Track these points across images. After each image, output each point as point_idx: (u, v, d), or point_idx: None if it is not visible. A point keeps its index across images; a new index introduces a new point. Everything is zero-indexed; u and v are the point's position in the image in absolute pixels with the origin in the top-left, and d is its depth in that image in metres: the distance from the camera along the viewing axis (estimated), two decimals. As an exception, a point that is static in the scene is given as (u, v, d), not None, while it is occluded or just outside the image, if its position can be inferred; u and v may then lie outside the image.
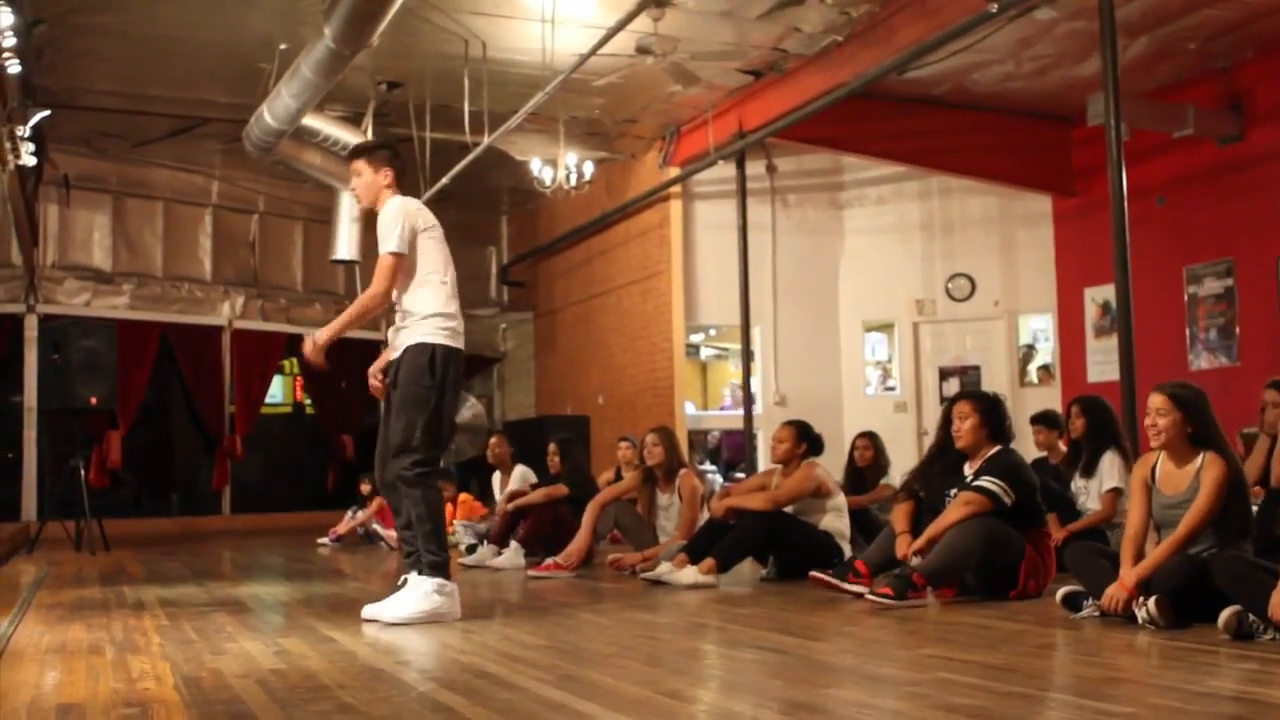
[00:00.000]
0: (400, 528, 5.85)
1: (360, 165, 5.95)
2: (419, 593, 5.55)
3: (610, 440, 12.47)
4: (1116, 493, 7.18)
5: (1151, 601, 4.81)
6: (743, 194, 13.43)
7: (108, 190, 15.66)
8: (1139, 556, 5.08)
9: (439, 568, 5.61)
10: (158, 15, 10.92)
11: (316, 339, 5.75)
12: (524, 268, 18.48)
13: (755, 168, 14.11)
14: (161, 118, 14.17)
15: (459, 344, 5.83)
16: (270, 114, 11.40)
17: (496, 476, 11.08)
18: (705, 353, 16.95)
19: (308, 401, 18.15)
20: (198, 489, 16.70)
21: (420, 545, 5.62)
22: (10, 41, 8.44)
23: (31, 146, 11.41)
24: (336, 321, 5.79)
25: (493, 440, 11.14)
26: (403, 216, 5.76)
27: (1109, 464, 7.31)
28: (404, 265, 5.77)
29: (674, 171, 14.41)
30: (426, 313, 5.74)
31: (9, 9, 8.19)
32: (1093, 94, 10.35)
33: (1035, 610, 5.59)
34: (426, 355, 5.69)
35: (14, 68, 9.05)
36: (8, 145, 10.67)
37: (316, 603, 6.76)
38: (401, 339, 5.77)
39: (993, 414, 6.24)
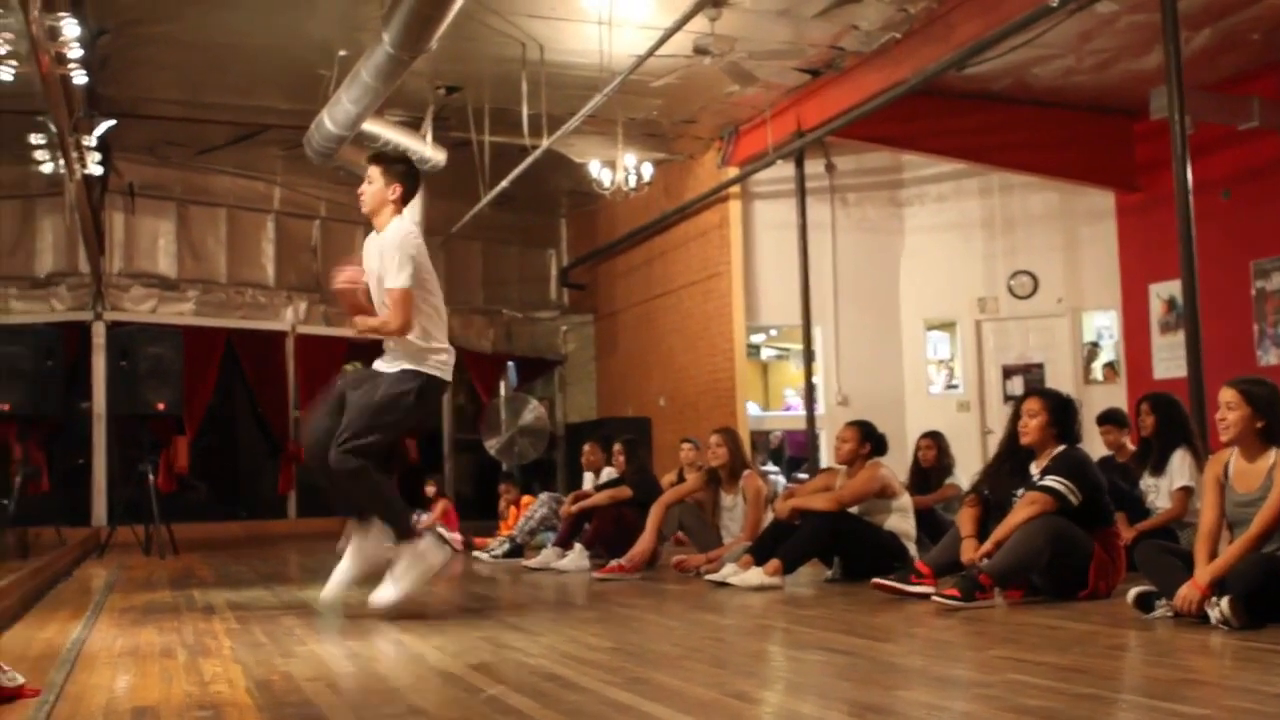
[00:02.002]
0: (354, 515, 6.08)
1: (375, 172, 6.03)
2: (407, 561, 5.90)
3: (672, 442, 12.47)
4: (1187, 491, 7.10)
5: (1225, 601, 4.75)
6: (802, 193, 13.40)
7: (172, 198, 15.84)
8: (1212, 555, 5.02)
9: (408, 532, 5.96)
10: (219, 24, 11.03)
11: (354, 291, 5.95)
12: (584, 270, 18.51)
13: (814, 166, 14.07)
14: (223, 125, 14.34)
15: (448, 377, 6.05)
16: (331, 120, 11.48)
17: (588, 478, 11.10)
18: (766, 353, 16.91)
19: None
20: (263, 493, 16.83)
21: (381, 515, 5.95)
22: (76, 53, 8.52)
23: (97, 156, 11.55)
24: (366, 322, 5.96)
25: (586, 448, 11.15)
26: (415, 250, 5.86)
27: (1180, 462, 7.22)
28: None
29: (733, 172, 14.39)
30: (425, 345, 5.92)
31: (75, 20, 8.28)
32: (1155, 87, 10.23)
33: (1105, 611, 5.53)
34: (417, 385, 5.88)
35: (80, 78, 9.15)
36: (74, 155, 10.81)
37: (383, 606, 6.79)
38: (397, 357, 5.93)
39: (1062, 414, 6.18)
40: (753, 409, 14.96)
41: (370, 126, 12.10)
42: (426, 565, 5.92)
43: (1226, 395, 5.18)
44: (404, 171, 6.09)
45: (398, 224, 5.96)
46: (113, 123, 12.44)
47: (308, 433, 6.05)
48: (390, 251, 5.80)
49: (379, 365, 6.01)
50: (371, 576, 6.03)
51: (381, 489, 5.91)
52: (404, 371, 5.87)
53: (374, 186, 6.00)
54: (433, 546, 5.98)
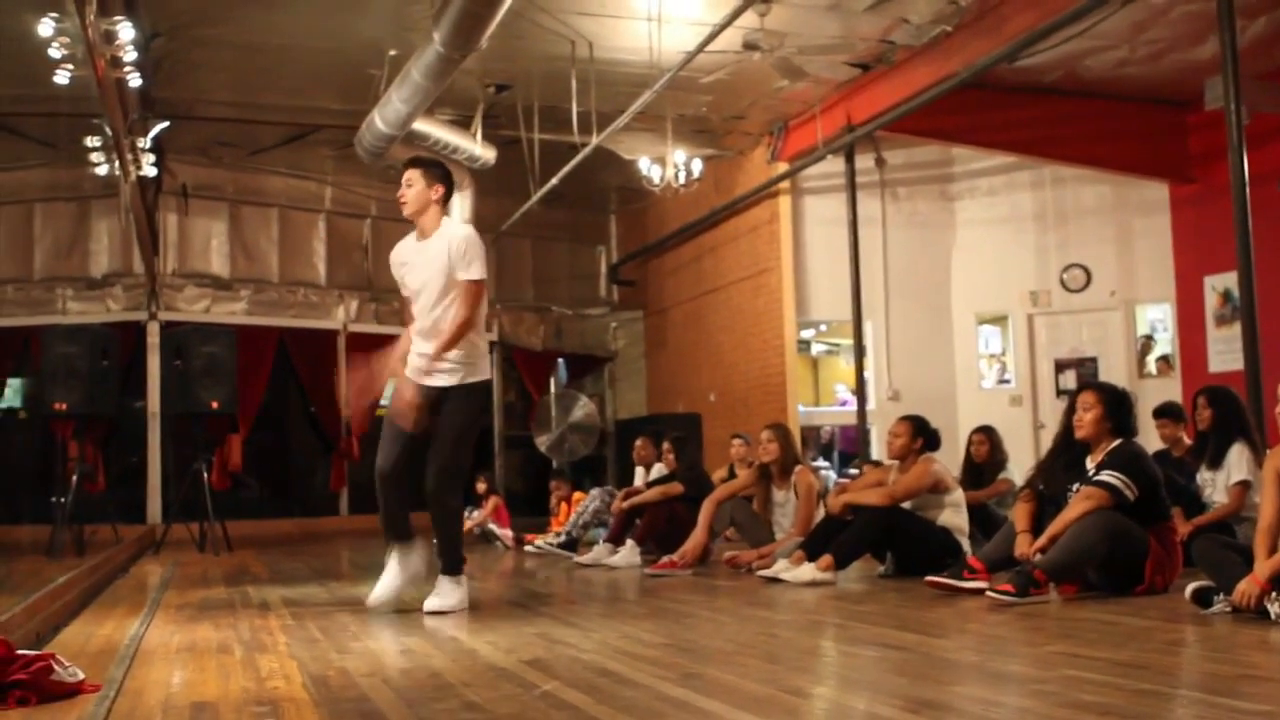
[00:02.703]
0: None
1: (414, 175, 6.09)
2: (455, 587, 6.10)
3: (722, 438, 12.46)
4: (1245, 485, 7.01)
5: (1285, 596, 4.69)
6: (852, 188, 13.35)
7: (224, 198, 15.97)
8: (1272, 550, 4.95)
9: (459, 570, 6.18)
10: (270, 25, 11.12)
11: (410, 396, 5.96)
12: (634, 266, 18.52)
13: (864, 161, 14.01)
14: (275, 126, 14.46)
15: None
16: (381, 119, 11.54)
17: (639, 473, 11.11)
18: (816, 348, 16.86)
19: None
20: (315, 490, 16.94)
21: (446, 550, 6.16)
22: (131, 56, 8.62)
23: (151, 157, 11.68)
24: (444, 341, 5.94)
25: (638, 443, 11.17)
26: (480, 246, 6.00)
27: (1237, 456, 7.13)
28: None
29: (782, 167, 14.36)
30: (482, 350, 6.10)
31: (129, 24, 8.37)
32: (1210, 77, 10.14)
33: (1163, 606, 5.48)
34: (485, 394, 6.13)
35: (134, 81, 9.24)
36: (129, 157, 10.92)
37: (436, 602, 6.81)
38: (457, 366, 5.97)
39: (1118, 408, 6.12)
40: (804, 404, 14.93)
41: (421, 125, 12.16)
42: (461, 598, 6.09)
43: (1284, 388, 5.12)
44: (443, 173, 6.18)
45: (455, 223, 6.13)
46: (166, 124, 12.56)
47: (382, 463, 6.10)
48: (459, 245, 5.90)
49: (440, 380, 5.99)
50: (416, 580, 6.25)
51: (461, 526, 6.37)
52: (471, 387, 6.00)
53: (415, 189, 6.06)
54: (466, 588, 6.19)
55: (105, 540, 11.38)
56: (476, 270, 5.91)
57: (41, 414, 12.71)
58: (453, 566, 6.13)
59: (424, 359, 5.96)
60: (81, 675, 3.93)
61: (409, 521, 6.20)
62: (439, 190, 6.08)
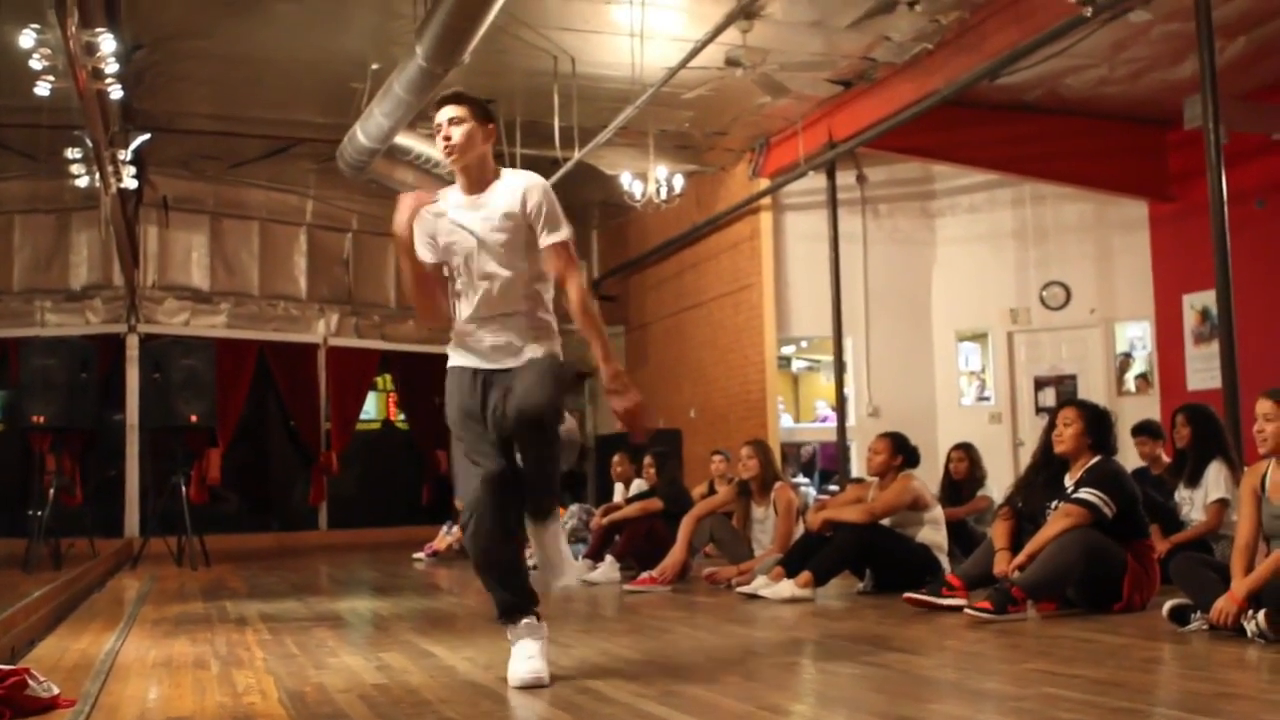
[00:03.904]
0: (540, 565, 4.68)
1: (462, 111, 4.57)
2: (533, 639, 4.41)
3: (702, 454, 12.45)
4: (1223, 504, 7.04)
5: (1261, 615, 4.70)
6: (833, 204, 13.38)
7: (205, 211, 15.95)
8: (1249, 568, 4.97)
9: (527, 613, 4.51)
10: (253, 39, 11.11)
11: (634, 398, 4.59)
12: (615, 282, 18.52)
13: (846, 178, 14.04)
14: (257, 139, 14.44)
15: None
16: (363, 133, 11.53)
17: (618, 490, 11.10)
18: (797, 365, 16.88)
19: (400, 417, 18.32)
20: (294, 504, 16.91)
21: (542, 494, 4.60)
22: (112, 68, 8.59)
23: (132, 170, 11.64)
24: (602, 347, 4.66)
25: (616, 459, 11.14)
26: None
27: (1215, 474, 7.16)
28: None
29: (764, 183, 14.39)
30: (555, 322, 4.74)
31: (111, 36, 8.35)
32: (1189, 96, 10.17)
33: (1140, 624, 5.49)
34: (570, 374, 4.90)
35: (116, 93, 9.22)
36: (110, 169, 10.89)
37: (414, 618, 6.81)
38: (535, 343, 4.59)
39: (1097, 424, 6.14)
40: (784, 420, 14.94)
41: (403, 139, 12.16)
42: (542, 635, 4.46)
43: (1264, 406, 5.14)
44: (492, 111, 4.76)
45: (518, 171, 4.73)
46: (147, 137, 12.53)
47: (487, 465, 4.44)
48: (537, 198, 4.53)
49: (510, 361, 4.56)
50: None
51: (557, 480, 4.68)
52: (563, 366, 4.73)
53: (466, 128, 4.54)
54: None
55: (82, 554, 11.33)
56: (565, 228, 4.60)
57: (19, 426, 12.65)
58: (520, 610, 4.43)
59: (493, 346, 4.58)
60: (56, 690, 3.92)
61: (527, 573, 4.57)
62: (491, 130, 4.67)
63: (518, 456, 4.49)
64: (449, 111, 4.58)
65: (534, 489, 4.52)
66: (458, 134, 4.55)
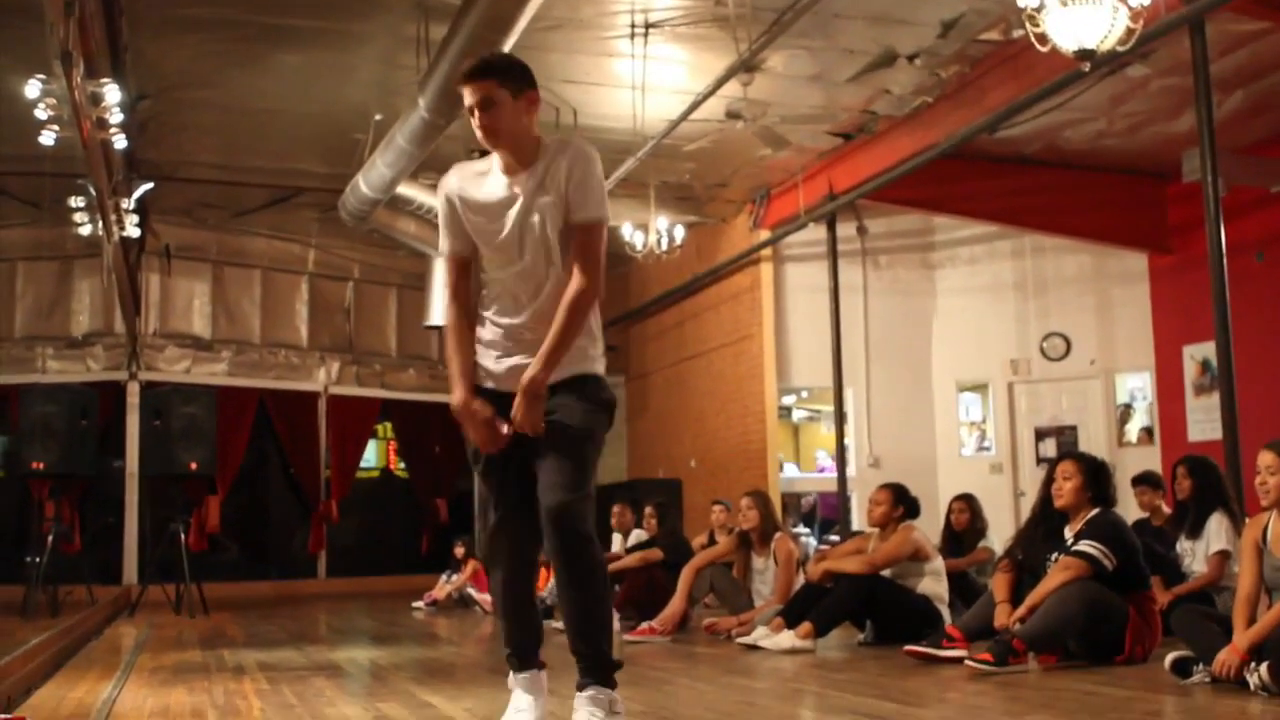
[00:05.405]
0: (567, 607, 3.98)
1: (492, 89, 3.88)
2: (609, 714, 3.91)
3: (703, 504, 12.44)
4: (1224, 555, 7.01)
5: (1264, 667, 4.68)
6: (834, 256, 13.41)
7: (207, 259, 15.99)
8: (1251, 620, 4.95)
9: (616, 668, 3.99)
10: (256, 89, 11.18)
11: (534, 388, 3.83)
12: (616, 331, 18.51)
13: (846, 229, 14.08)
14: (259, 188, 14.51)
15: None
16: (365, 183, 11.58)
17: (616, 539, 11.06)
18: (798, 415, 16.88)
19: (400, 466, 18.30)
20: (294, 553, 16.86)
21: (593, 638, 3.92)
22: (117, 117, 8.65)
23: (135, 218, 11.68)
24: (554, 351, 3.86)
25: (616, 509, 11.11)
26: (601, 169, 4.05)
27: (1217, 525, 7.14)
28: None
29: (764, 234, 14.44)
30: (597, 333, 4.09)
31: (116, 86, 8.41)
32: (1187, 150, 10.21)
33: (1142, 676, 5.47)
34: (608, 389, 4.06)
35: (120, 143, 9.27)
36: (113, 217, 10.93)
37: (413, 667, 6.78)
38: (569, 359, 3.92)
39: (1097, 477, 6.14)
40: (786, 471, 14.92)
41: (404, 190, 12.21)
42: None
43: (1266, 459, 5.13)
44: (530, 73, 4.00)
45: (561, 141, 4.03)
46: (150, 186, 12.59)
47: (501, 508, 3.99)
48: (581, 168, 3.93)
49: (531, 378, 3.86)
50: None
51: (609, 597, 4.05)
52: (596, 381, 4.01)
53: (503, 110, 3.88)
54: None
55: (80, 601, 11.28)
56: (597, 205, 3.97)
57: (19, 473, 12.64)
58: (601, 667, 3.93)
59: (512, 354, 3.97)
60: (53, 739, 3.90)
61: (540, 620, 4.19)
62: (532, 96, 3.96)
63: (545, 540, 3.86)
64: (474, 93, 3.88)
65: (580, 636, 3.87)
66: (499, 123, 3.89)
